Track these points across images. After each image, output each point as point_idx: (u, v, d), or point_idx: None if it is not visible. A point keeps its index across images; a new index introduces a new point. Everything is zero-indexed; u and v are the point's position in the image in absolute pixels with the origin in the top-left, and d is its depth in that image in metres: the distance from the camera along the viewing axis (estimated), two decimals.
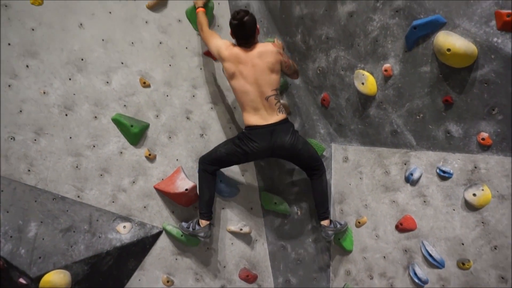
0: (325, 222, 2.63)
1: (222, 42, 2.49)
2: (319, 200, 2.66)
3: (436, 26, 2.04)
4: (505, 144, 2.01)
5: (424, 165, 2.37)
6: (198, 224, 2.56)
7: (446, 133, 2.22)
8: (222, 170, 2.73)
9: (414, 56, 2.21)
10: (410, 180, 2.42)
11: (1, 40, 2.32)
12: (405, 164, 2.46)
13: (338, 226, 2.65)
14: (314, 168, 2.63)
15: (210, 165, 2.56)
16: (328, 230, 2.61)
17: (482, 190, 2.11)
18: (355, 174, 2.75)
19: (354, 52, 2.48)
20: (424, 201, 2.37)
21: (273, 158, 2.83)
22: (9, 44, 2.34)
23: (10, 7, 2.34)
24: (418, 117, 2.31)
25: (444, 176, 2.27)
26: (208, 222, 2.56)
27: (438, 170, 2.29)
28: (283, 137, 2.47)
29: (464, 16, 1.95)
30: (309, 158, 2.60)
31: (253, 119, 2.48)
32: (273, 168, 2.96)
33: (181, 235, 2.65)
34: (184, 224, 2.61)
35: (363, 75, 2.44)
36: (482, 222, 2.12)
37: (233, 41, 2.50)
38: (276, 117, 2.47)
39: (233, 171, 2.86)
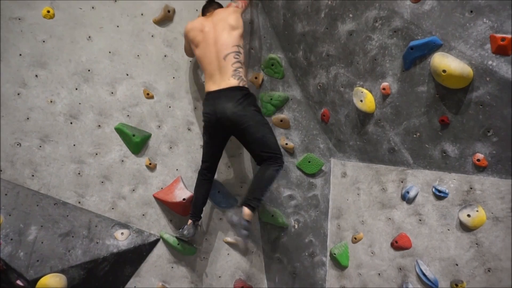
0: (246, 210, 2.30)
1: (184, 33, 2.57)
2: (253, 186, 2.38)
3: (432, 47, 2.07)
4: (500, 166, 2.01)
5: (420, 183, 2.37)
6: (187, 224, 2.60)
7: (442, 152, 2.22)
8: (220, 181, 2.77)
9: (412, 75, 2.23)
10: (406, 198, 2.42)
11: (13, 51, 2.43)
12: (401, 182, 2.46)
13: (245, 231, 2.29)
14: (265, 158, 2.30)
15: (201, 167, 2.59)
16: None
17: (477, 211, 2.10)
18: (353, 190, 2.76)
19: (354, 69, 2.51)
20: (420, 220, 2.36)
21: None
22: (20, 54, 2.45)
23: (24, 20, 2.45)
24: (415, 135, 2.33)
25: (439, 195, 2.26)
26: (191, 221, 2.57)
27: (434, 189, 2.28)
28: (226, 104, 2.20)
29: (460, 38, 1.97)
30: (259, 140, 2.25)
31: (208, 85, 2.37)
32: None
33: (178, 244, 2.69)
34: (181, 230, 2.65)
35: (362, 92, 2.47)
36: (476, 244, 2.11)
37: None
38: (227, 82, 2.27)
39: (231, 182, 2.90)
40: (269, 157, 2.32)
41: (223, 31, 2.41)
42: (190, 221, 2.60)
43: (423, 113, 2.25)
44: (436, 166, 2.27)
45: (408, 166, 2.42)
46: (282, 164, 2.36)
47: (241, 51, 2.42)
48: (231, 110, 2.22)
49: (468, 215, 2.11)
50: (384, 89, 2.37)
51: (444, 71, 1.98)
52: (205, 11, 2.63)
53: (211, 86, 2.34)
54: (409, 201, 2.41)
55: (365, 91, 2.46)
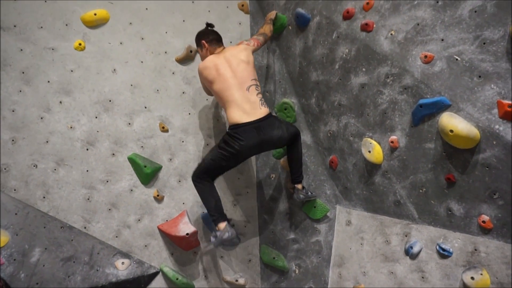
0: (299, 186, 2.76)
1: (199, 73, 2.63)
2: (294, 165, 2.75)
3: (441, 106, 2.13)
4: (506, 230, 1.99)
5: (424, 239, 2.35)
6: (218, 230, 2.42)
7: (447, 210, 2.22)
8: None
9: (420, 132, 2.28)
10: (410, 253, 2.39)
11: (42, 77, 2.59)
12: (406, 235, 2.45)
13: (309, 193, 2.79)
14: (291, 141, 2.68)
15: (201, 177, 2.50)
16: (300, 193, 2.74)
17: (481, 274, 2.06)
18: (357, 239, 2.74)
19: (364, 120, 2.58)
20: (422, 277, 2.32)
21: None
22: (48, 81, 2.60)
23: (56, 50, 2.62)
24: (421, 190, 2.34)
25: (443, 254, 2.24)
26: (225, 223, 2.43)
27: (438, 247, 2.26)
28: (271, 132, 2.48)
29: (468, 101, 2.03)
30: (293, 137, 2.65)
31: (237, 115, 2.45)
32: (276, 223, 2.99)
33: (177, 279, 2.67)
34: (213, 240, 2.45)
35: (370, 143, 2.52)
36: None
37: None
38: (260, 112, 2.47)
39: (235, 220, 2.91)
40: (296, 138, 2.72)
41: (238, 66, 2.53)
42: (221, 225, 2.41)
43: (429, 169, 2.27)
44: (441, 224, 2.26)
45: (413, 221, 2.41)
46: (300, 135, 2.77)
47: (259, 84, 2.59)
48: (276, 136, 2.51)
49: (472, 278, 2.07)
50: (392, 142, 2.41)
51: (451, 131, 2.02)
52: (213, 47, 2.64)
53: (243, 118, 2.43)
54: (413, 256, 2.38)
55: (373, 142, 2.51)
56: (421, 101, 2.20)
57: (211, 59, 2.57)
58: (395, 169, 2.45)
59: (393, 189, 2.49)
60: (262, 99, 2.55)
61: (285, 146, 2.76)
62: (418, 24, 2.24)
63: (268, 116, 2.51)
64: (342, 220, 2.88)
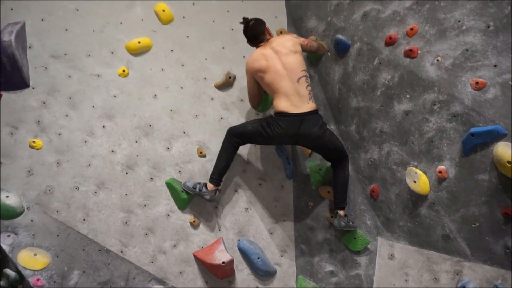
0: (341, 212, 2.68)
1: (246, 70, 2.66)
2: (339, 190, 2.69)
3: (495, 136, 2.00)
4: None
5: (479, 279, 2.16)
6: (206, 187, 2.60)
7: (505, 248, 2.05)
8: (262, 247, 2.72)
9: (471, 162, 2.14)
10: None
11: (87, 102, 2.68)
12: (457, 274, 2.27)
13: (351, 223, 2.68)
14: (337, 159, 2.67)
15: (235, 137, 2.65)
16: (341, 220, 2.64)
17: None
18: (400, 275, 2.58)
19: (408, 149, 2.47)
20: None
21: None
22: (93, 106, 2.69)
23: (101, 77, 2.73)
24: (473, 225, 2.18)
25: None
26: (215, 188, 2.60)
27: None
28: (312, 128, 2.50)
29: None
30: (334, 150, 2.64)
31: (284, 105, 2.50)
32: (313, 254, 2.88)
33: None
34: (189, 183, 2.65)
35: (415, 173, 2.40)
36: None
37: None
38: (307, 106, 2.51)
39: (272, 251, 2.83)
40: (340, 157, 2.70)
41: (287, 56, 2.54)
42: (212, 186, 2.60)
43: (483, 203, 2.12)
44: (498, 263, 2.08)
45: (465, 258, 2.24)
46: (348, 158, 2.74)
47: (308, 76, 2.60)
48: (315, 134, 2.53)
49: None
50: (440, 172, 2.29)
51: (509, 162, 1.89)
52: (257, 40, 2.66)
53: (290, 108, 2.50)
54: None
55: (419, 172, 2.39)
56: (473, 130, 2.08)
57: (258, 51, 2.62)
58: (443, 201, 2.30)
59: (441, 222, 2.33)
60: (311, 92, 2.56)
61: (332, 168, 2.74)
62: (467, 50, 2.15)
63: (314, 112, 2.55)
64: (384, 253, 2.73)
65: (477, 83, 2.08)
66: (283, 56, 2.54)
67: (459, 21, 2.18)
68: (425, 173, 2.38)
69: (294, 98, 2.51)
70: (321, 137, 2.54)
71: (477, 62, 2.11)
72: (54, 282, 2.40)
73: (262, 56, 2.57)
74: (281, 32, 3.10)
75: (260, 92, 2.72)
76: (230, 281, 2.70)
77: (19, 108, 2.56)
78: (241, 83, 2.95)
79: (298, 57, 2.57)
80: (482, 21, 2.08)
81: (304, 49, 2.68)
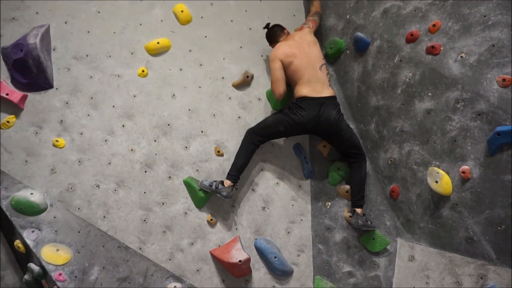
0: (359, 210, 2.67)
1: (273, 58, 2.70)
2: (356, 188, 2.70)
3: None
4: None
5: (505, 284, 2.08)
6: (222, 184, 2.61)
7: None
8: (279, 247, 2.70)
9: (497, 162, 2.06)
10: None
11: (108, 102, 2.74)
12: (481, 278, 2.19)
13: (369, 222, 2.66)
14: (354, 155, 2.70)
15: (256, 135, 2.69)
16: (359, 219, 2.63)
17: None
18: (421, 277, 2.51)
19: (430, 148, 2.40)
20: None
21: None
22: (113, 106, 2.74)
23: (121, 77, 2.77)
24: (499, 228, 2.10)
25: None
26: (232, 184, 2.63)
27: None
28: (331, 111, 2.60)
29: None
30: (349, 140, 2.68)
31: (306, 90, 2.62)
32: (331, 254, 2.85)
33: None
34: (206, 182, 2.66)
35: (437, 173, 2.33)
36: None
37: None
38: (327, 91, 2.64)
39: (289, 250, 2.81)
40: (357, 154, 2.71)
41: (310, 46, 2.70)
42: (229, 182, 2.62)
43: (510, 204, 2.03)
44: None
45: (490, 261, 2.16)
46: (365, 157, 2.76)
47: (327, 63, 2.77)
48: (334, 117, 2.61)
49: None
50: (463, 172, 2.21)
51: None
52: (277, 37, 2.81)
53: (311, 93, 2.61)
54: None
55: (441, 172, 2.32)
56: (499, 129, 2.00)
57: (283, 43, 2.73)
58: (467, 202, 2.23)
59: (464, 224, 2.26)
60: (330, 81, 2.71)
61: (349, 166, 2.76)
62: (493, 46, 2.07)
63: (334, 98, 2.68)
64: (404, 254, 2.66)
65: (503, 80, 2.00)
66: (306, 47, 2.69)
67: (484, 16, 2.10)
68: (447, 173, 2.31)
69: (316, 85, 2.62)
70: (338, 122, 2.62)
71: (504, 58, 2.03)
72: (75, 277, 2.46)
73: (288, 46, 2.69)
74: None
75: (285, 78, 2.72)
76: (247, 280, 2.70)
77: (43, 108, 2.64)
78: (259, 82, 2.94)
79: (318, 47, 2.75)
80: (509, 16, 2.00)
81: (316, 30, 2.85)
